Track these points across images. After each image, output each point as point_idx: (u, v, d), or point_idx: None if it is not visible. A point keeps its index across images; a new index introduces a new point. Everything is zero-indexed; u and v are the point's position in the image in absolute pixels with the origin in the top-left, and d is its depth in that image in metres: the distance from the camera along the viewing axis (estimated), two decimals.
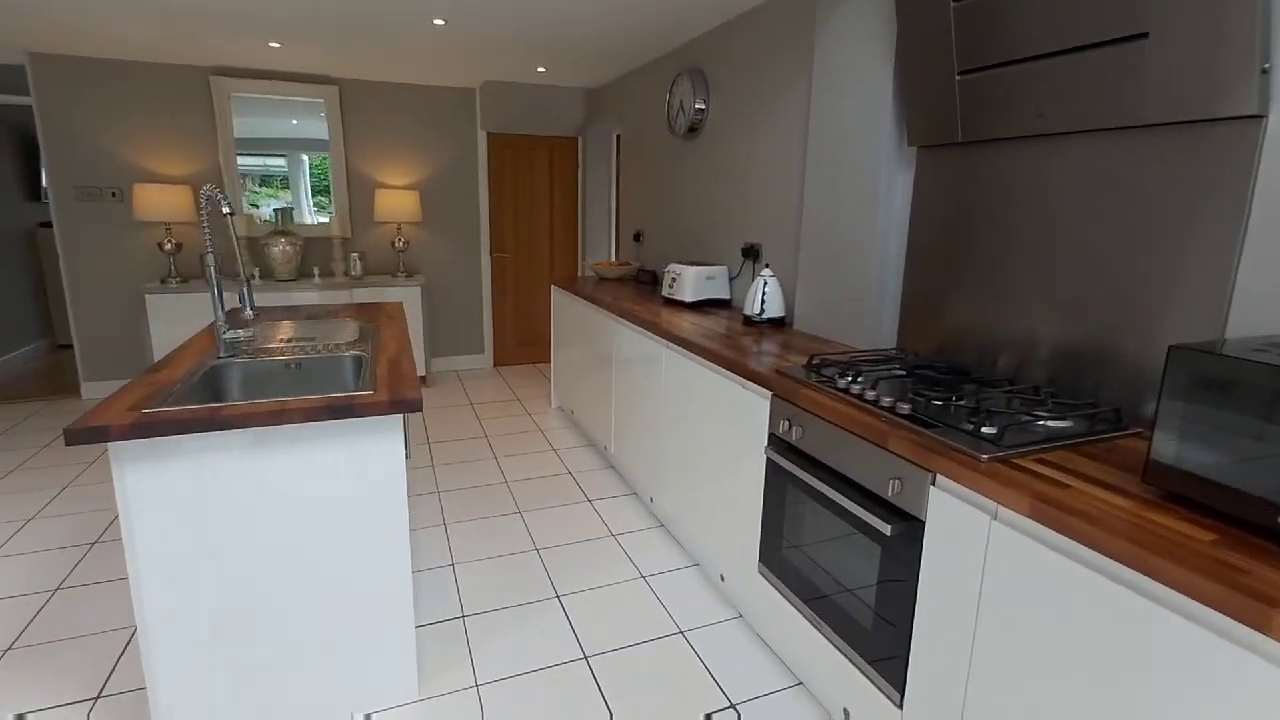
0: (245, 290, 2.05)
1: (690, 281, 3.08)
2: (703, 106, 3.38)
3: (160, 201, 4.30)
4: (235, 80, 4.50)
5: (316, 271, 4.70)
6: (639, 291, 3.70)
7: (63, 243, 4.44)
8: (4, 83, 4.38)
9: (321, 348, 2.17)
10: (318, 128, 4.75)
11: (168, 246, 4.41)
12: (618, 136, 5.20)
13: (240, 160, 4.67)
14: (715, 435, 2.26)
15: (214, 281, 1.99)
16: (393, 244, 4.85)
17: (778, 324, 2.66)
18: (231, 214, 1.87)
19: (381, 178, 4.97)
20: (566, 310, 4.04)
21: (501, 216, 5.35)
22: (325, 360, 2.10)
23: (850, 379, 1.72)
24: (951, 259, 1.95)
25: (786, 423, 1.81)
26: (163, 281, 4.42)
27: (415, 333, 4.81)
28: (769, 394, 1.90)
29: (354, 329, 2.46)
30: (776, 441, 1.88)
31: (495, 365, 5.60)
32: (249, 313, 2.03)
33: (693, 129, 3.46)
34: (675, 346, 2.53)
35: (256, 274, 4.59)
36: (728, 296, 3.18)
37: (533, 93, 5.05)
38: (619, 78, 4.59)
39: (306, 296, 4.51)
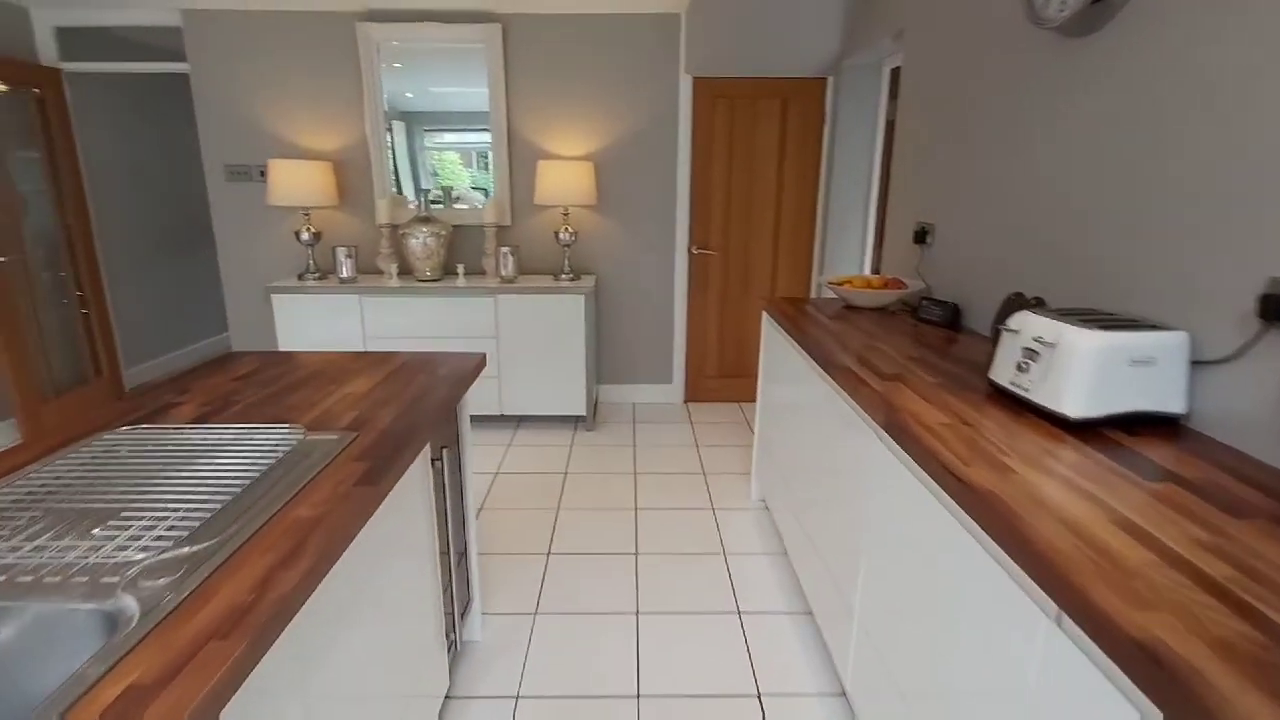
0: None
1: (1088, 370, 1.23)
2: None
3: (296, 181, 3.52)
4: (384, 27, 3.54)
5: (461, 270, 3.63)
6: (919, 345, 1.90)
7: (217, 229, 3.92)
8: (168, 48, 3.93)
9: (90, 563, 0.84)
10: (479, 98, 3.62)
11: (305, 236, 3.65)
12: (892, 71, 3.32)
13: (445, 138, 3.76)
14: None
15: None
16: (556, 235, 3.59)
17: None
18: None
19: (549, 145, 3.73)
20: (782, 356, 2.39)
21: (708, 197, 3.81)
22: (39, 624, 0.76)
23: None
24: None
25: None
26: (300, 278, 3.68)
27: (576, 353, 3.51)
28: None
29: (248, 468, 1.10)
30: None
31: (687, 400, 4.14)
32: None
33: (1094, 5, 1.54)
34: (1090, 645, 0.77)
35: (395, 270, 3.65)
36: (1181, 410, 1.26)
37: (764, 10, 3.38)
38: None
39: (433, 307, 3.44)
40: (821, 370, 1.85)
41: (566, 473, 3.14)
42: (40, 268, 3.74)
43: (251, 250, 3.94)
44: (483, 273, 3.77)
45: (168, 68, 3.83)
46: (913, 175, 2.58)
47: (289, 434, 1.22)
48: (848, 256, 3.65)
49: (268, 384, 1.57)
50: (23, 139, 3.63)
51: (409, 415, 1.37)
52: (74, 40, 3.84)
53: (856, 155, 3.56)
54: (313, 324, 3.51)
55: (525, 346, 3.50)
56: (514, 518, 2.72)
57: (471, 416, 3.80)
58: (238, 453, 1.15)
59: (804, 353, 2.05)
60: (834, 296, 2.70)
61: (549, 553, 2.47)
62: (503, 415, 3.72)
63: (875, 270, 3.51)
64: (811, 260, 3.89)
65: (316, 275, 3.69)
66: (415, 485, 1.39)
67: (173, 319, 4.84)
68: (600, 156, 3.73)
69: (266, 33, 3.62)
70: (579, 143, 3.71)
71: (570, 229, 3.58)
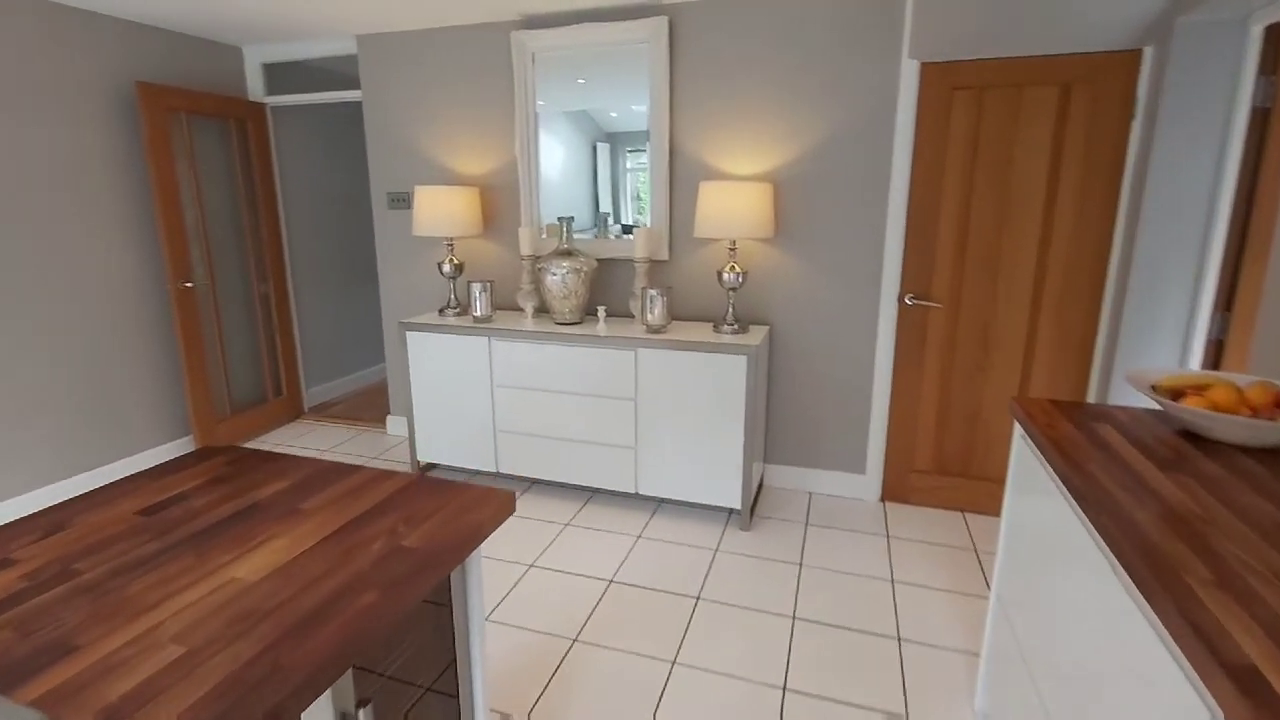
0: None
1: None
2: None
3: (439, 210, 3.18)
4: (539, 34, 3.07)
5: (602, 313, 3.00)
6: None
7: (380, 258, 3.78)
8: (347, 75, 3.89)
9: None
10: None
11: (446, 268, 3.31)
12: (1268, 29, 2.04)
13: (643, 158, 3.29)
14: None
15: None
16: (720, 275, 2.81)
17: None
18: None
19: (717, 161, 2.96)
20: (1048, 508, 1.35)
21: (933, 228, 2.76)
22: None
23: None
24: None
25: None
26: (440, 312, 3.35)
27: (733, 427, 2.69)
28: None
29: None
30: None
31: (884, 498, 3.08)
32: None
33: None
34: None
35: (532, 309, 3.16)
36: None
37: None
38: None
39: (564, 356, 2.84)
40: (1182, 654, 0.83)
41: (699, 598, 2.33)
42: (233, 290, 3.88)
43: (406, 280, 3.73)
44: (630, 316, 3.12)
45: (345, 96, 3.78)
46: None
47: None
48: (1162, 330, 2.35)
49: (162, 531, 1.01)
50: (233, 170, 3.80)
51: (258, 670, 0.70)
52: (274, 75, 3.96)
53: (1189, 167, 2.28)
54: (443, 364, 3.14)
55: (670, 412, 2.77)
56: (611, 667, 1.98)
57: (599, 491, 3.15)
58: None
59: (1115, 561, 1.02)
60: (1157, 407, 1.56)
61: None
62: (638, 495, 3.02)
63: (1213, 362, 2.16)
64: (1096, 328, 2.63)
65: (456, 310, 3.33)
66: None
67: (349, 343, 4.91)
68: (781, 174, 2.88)
69: (427, 53, 3.36)
70: (754, 158, 2.90)
71: (738, 268, 2.77)
